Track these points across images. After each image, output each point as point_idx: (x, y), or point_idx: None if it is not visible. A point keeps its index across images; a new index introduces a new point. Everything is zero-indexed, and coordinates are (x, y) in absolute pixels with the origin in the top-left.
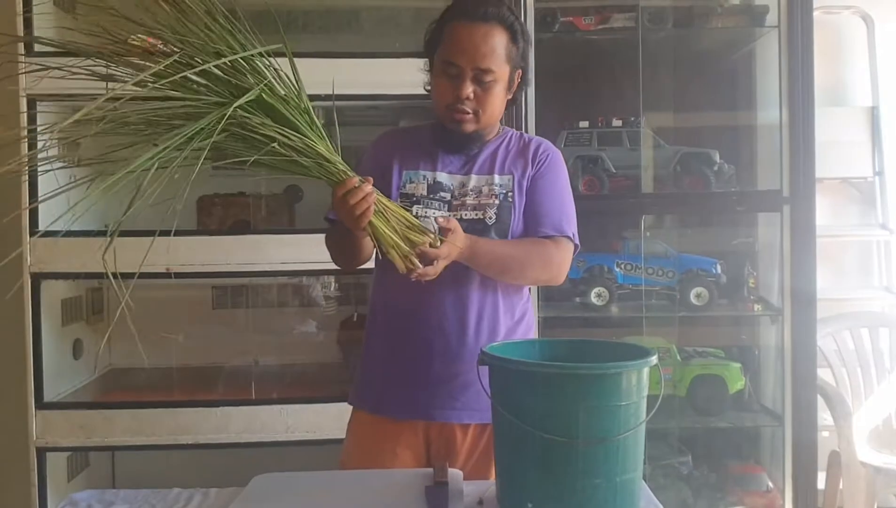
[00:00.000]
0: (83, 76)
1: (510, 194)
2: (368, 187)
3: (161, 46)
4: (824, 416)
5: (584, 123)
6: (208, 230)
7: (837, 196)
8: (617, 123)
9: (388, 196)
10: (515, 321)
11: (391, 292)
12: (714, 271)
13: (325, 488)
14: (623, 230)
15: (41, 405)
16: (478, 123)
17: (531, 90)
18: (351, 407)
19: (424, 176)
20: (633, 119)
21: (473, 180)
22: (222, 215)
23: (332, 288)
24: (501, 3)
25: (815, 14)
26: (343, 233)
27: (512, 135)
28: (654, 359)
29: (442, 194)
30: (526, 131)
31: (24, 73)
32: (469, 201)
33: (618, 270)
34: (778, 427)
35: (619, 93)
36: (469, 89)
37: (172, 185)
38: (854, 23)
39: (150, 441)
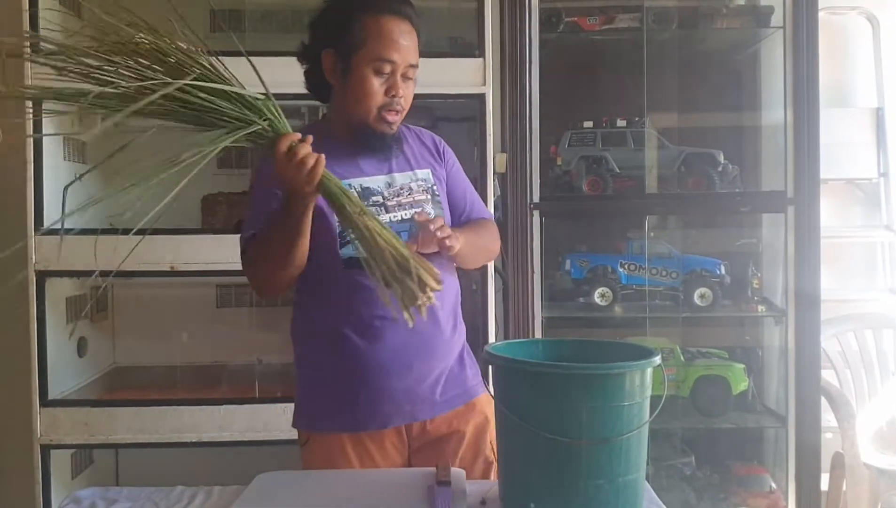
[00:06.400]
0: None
1: (435, 186)
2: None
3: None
4: (828, 417)
5: (588, 124)
6: (212, 229)
7: (842, 197)
8: (621, 123)
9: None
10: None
11: (354, 307)
12: (718, 271)
13: (327, 487)
14: (627, 231)
15: (45, 402)
16: (399, 121)
17: (535, 90)
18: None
19: (350, 185)
20: (637, 119)
21: (398, 179)
22: (227, 214)
23: None
24: None
25: (821, 15)
26: (282, 222)
27: (402, 129)
28: (657, 360)
29: (374, 198)
30: (529, 132)
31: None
32: (403, 200)
33: (621, 270)
34: (781, 429)
35: (623, 93)
36: (402, 88)
37: (176, 184)
38: (859, 24)
39: (154, 439)
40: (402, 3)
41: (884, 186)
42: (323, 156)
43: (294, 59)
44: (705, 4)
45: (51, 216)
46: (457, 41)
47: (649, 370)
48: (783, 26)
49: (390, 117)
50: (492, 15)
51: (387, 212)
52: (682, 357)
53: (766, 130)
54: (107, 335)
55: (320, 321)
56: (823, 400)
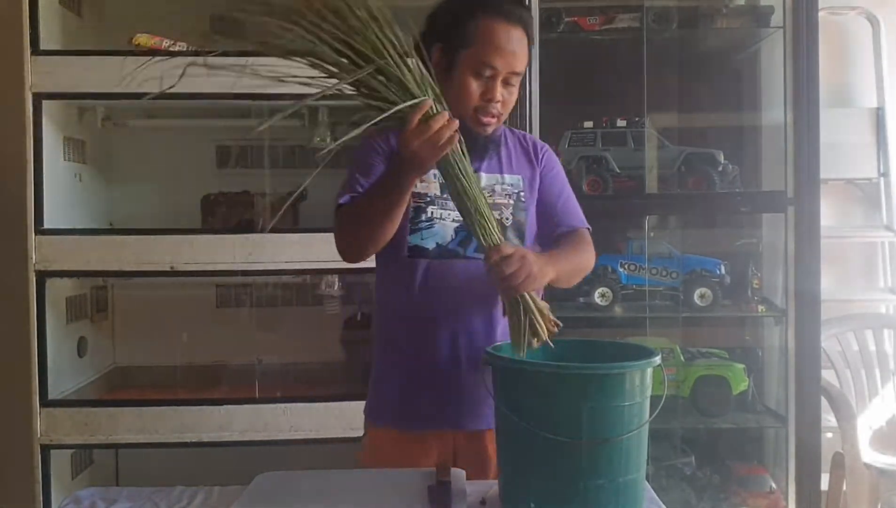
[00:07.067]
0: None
1: (522, 193)
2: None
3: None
4: (828, 418)
5: (588, 124)
6: (213, 229)
7: (842, 197)
8: (621, 123)
9: None
10: None
11: (408, 298)
12: (718, 271)
13: (327, 487)
14: (627, 231)
15: (45, 402)
16: (498, 124)
17: (535, 90)
18: (361, 419)
19: (435, 174)
20: (637, 119)
21: (483, 179)
22: (227, 214)
23: (335, 287)
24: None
25: (821, 15)
26: (386, 188)
27: (505, 132)
28: (657, 360)
29: None
30: (529, 132)
31: None
32: None
33: (622, 270)
34: (781, 429)
35: (623, 93)
36: (500, 93)
37: (179, 183)
38: (860, 24)
39: (154, 439)
40: (519, 7)
41: (884, 186)
42: (457, 134)
43: (294, 59)
44: (705, 4)
45: (50, 216)
46: None
47: (649, 370)
48: (783, 26)
49: (486, 120)
50: None
51: None
52: (682, 357)
53: (767, 130)
54: (107, 335)
55: (383, 311)
56: (823, 400)
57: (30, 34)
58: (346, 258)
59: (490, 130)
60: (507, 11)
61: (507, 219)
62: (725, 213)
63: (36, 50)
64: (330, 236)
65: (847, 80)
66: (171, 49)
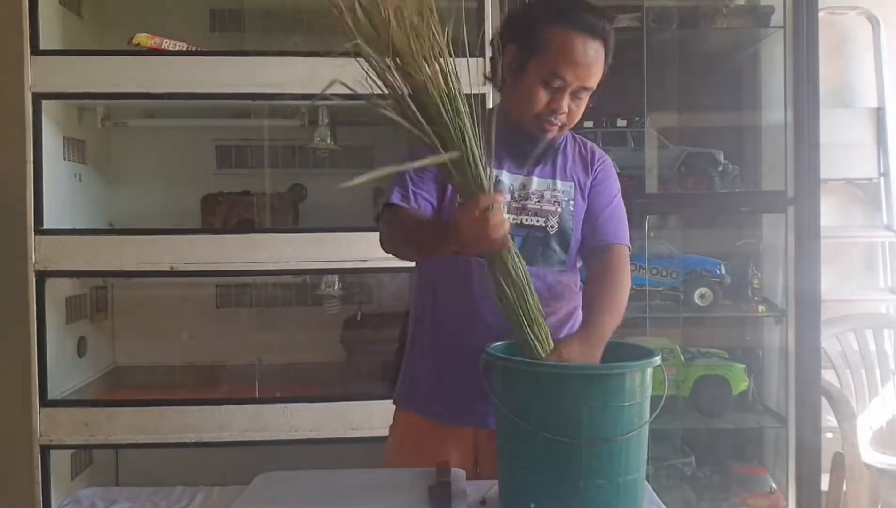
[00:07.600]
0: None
1: (572, 201)
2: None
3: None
4: (828, 418)
5: (588, 124)
6: (212, 229)
7: (842, 197)
8: (621, 123)
9: (445, 189)
10: (562, 319)
11: (444, 293)
12: (718, 271)
13: (327, 487)
14: None
15: (45, 402)
16: (560, 133)
17: None
18: (392, 406)
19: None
20: (637, 119)
21: (535, 183)
22: (226, 214)
23: (335, 287)
24: (607, 11)
25: (821, 15)
26: (428, 238)
27: (567, 138)
28: (657, 360)
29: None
30: None
31: None
32: (530, 205)
33: None
34: (781, 429)
35: (623, 93)
36: (567, 104)
37: (179, 183)
38: (860, 23)
39: (154, 439)
40: (601, 19)
41: (884, 186)
42: (510, 241)
43: (294, 58)
44: (705, 4)
45: (50, 216)
46: (457, 41)
47: (649, 370)
48: (783, 26)
49: (547, 127)
50: (492, 15)
51: (509, 212)
52: (682, 357)
53: (767, 130)
54: (107, 335)
55: (422, 302)
56: (823, 400)
57: (30, 34)
58: (388, 253)
59: (549, 136)
60: (585, 22)
61: (552, 227)
62: (725, 213)
63: (36, 50)
64: (330, 237)
65: (847, 80)
66: (170, 49)
